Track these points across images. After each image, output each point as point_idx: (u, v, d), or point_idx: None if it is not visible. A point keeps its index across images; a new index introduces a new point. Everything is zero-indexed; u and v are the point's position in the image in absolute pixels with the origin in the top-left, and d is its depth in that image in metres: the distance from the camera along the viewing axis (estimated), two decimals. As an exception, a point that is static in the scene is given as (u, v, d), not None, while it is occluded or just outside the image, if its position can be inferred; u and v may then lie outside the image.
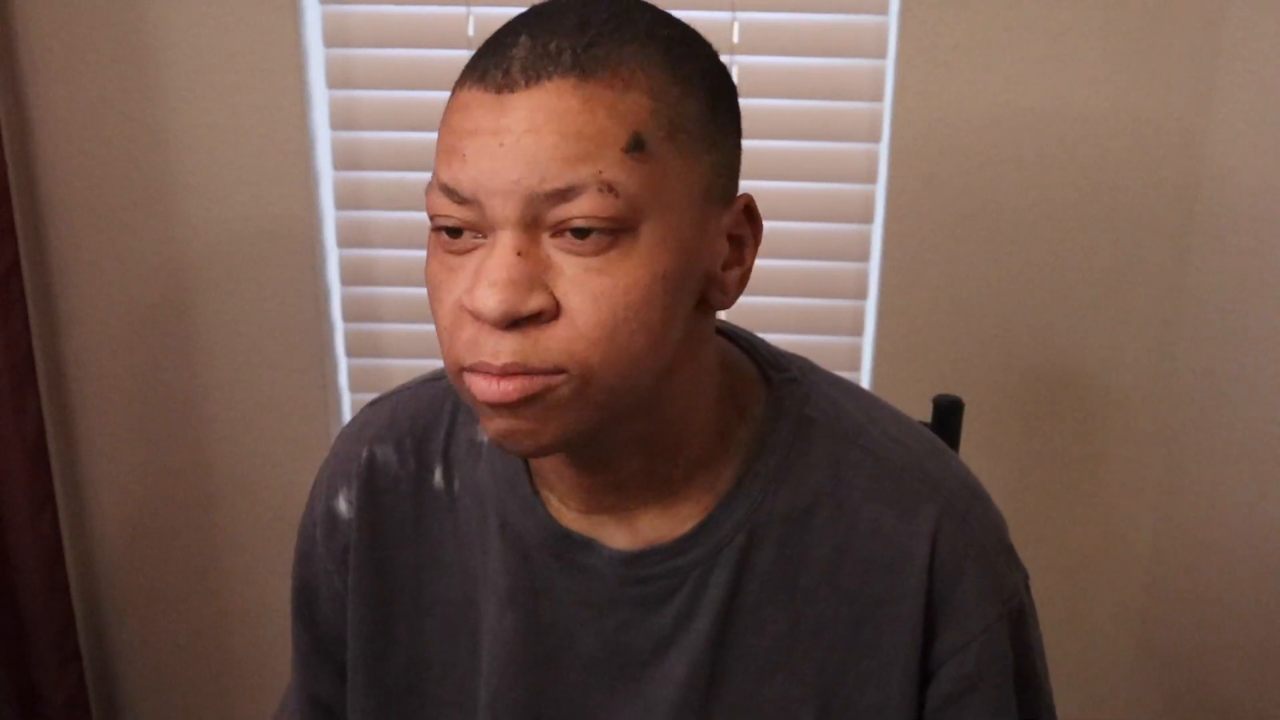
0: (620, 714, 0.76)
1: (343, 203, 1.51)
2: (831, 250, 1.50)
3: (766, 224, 0.78)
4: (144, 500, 1.63)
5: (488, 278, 0.60)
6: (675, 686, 0.74)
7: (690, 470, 0.72)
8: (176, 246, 1.51)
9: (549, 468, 0.74)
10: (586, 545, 0.74)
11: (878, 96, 1.44)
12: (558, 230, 0.61)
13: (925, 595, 0.73)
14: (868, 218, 1.49)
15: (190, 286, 1.53)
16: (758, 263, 0.72)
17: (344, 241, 1.53)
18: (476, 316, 0.61)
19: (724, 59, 0.70)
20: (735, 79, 0.72)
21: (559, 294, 0.61)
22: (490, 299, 0.60)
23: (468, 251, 0.63)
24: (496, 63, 0.62)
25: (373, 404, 0.84)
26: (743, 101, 0.70)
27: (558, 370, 0.61)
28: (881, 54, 1.43)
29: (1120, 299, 1.47)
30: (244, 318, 1.54)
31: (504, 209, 0.60)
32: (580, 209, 0.60)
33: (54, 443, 1.59)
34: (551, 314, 0.61)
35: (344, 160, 1.50)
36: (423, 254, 1.50)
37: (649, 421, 0.69)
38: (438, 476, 0.79)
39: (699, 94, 0.64)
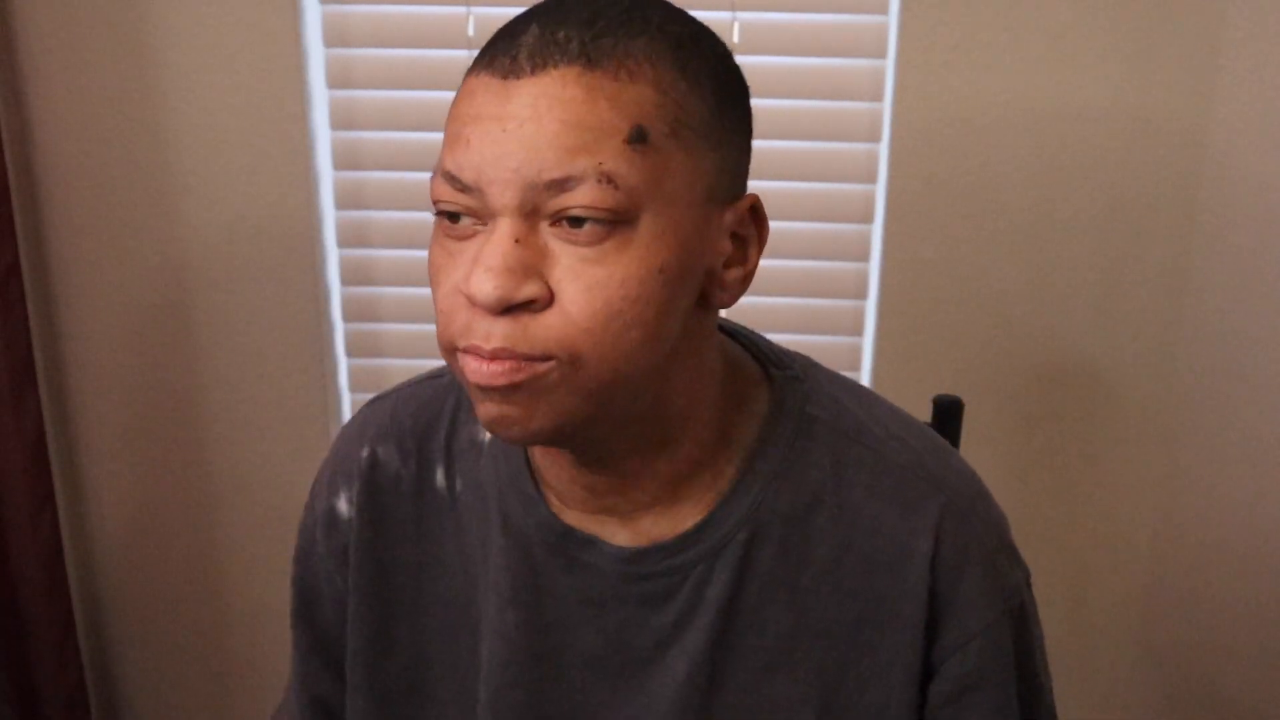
0: (621, 712, 0.76)
1: (343, 203, 1.51)
2: (831, 250, 1.50)
3: (767, 223, 0.77)
4: (144, 500, 1.63)
5: (484, 263, 0.61)
6: (676, 685, 0.74)
7: (692, 468, 0.72)
8: (176, 246, 1.51)
9: (550, 465, 0.74)
10: (588, 543, 0.74)
11: (878, 96, 1.44)
12: (556, 219, 0.61)
13: (927, 593, 0.73)
14: (868, 218, 1.49)
15: (190, 286, 1.53)
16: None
17: (344, 241, 1.53)
18: (472, 301, 0.61)
19: (727, 59, 0.70)
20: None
21: (554, 283, 0.61)
22: (485, 284, 0.60)
23: (468, 238, 0.63)
24: (505, 49, 0.62)
25: (373, 402, 0.84)
26: (743, 101, 0.70)
27: (546, 357, 0.61)
28: (881, 54, 1.43)
29: (1120, 299, 1.47)
30: (244, 318, 1.54)
31: (503, 197, 0.61)
32: (579, 199, 0.60)
33: (54, 443, 1.59)
34: (545, 302, 0.61)
35: (344, 160, 1.50)
36: (423, 254, 1.50)
37: (648, 418, 0.69)
38: (439, 475, 0.79)
39: (706, 91, 0.64)
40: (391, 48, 1.45)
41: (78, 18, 1.43)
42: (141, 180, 1.49)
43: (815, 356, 0.80)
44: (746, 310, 1.32)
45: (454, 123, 0.63)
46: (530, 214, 0.61)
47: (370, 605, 0.81)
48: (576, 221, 0.61)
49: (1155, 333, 1.48)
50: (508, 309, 0.61)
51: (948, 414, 1.11)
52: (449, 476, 0.79)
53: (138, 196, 1.49)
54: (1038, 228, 1.45)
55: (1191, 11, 1.36)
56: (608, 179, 0.60)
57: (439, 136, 0.66)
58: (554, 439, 0.66)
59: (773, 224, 0.70)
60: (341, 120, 1.48)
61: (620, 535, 0.74)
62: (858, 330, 1.53)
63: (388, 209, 1.51)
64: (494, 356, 0.62)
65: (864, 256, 1.50)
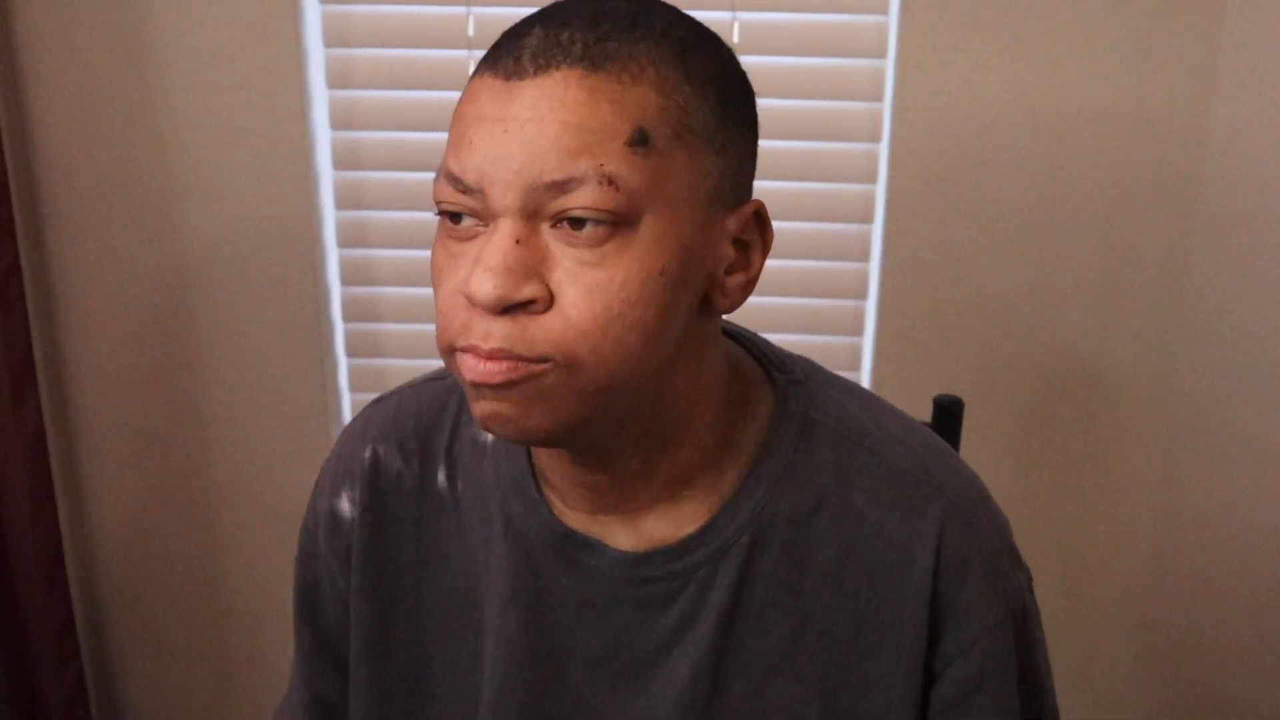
0: (623, 714, 0.76)
1: (343, 203, 1.51)
2: (831, 250, 1.50)
3: (766, 224, 0.77)
4: (144, 500, 1.63)
5: (484, 264, 0.61)
6: (678, 688, 0.74)
7: (694, 471, 0.72)
8: (176, 246, 1.51)
9: (552, 467, 0.74)
10: (590, 546, 0.74)
11: (878, 96, 1.44)
12: (557, 221, 0.61)
13: (929, 597, 0.73)
14: (868, 218, 1.49)
15: (190, 286, 1.53)
16: (757, 264, 0.72)
17: (344, 241, 1.53)
18: (471, 301, 0.61)
19: (727, 60, 0.70)
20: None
21: (554, 284, 0.61)
22: (485, 284, 0.60)
23: (470, 239, 0.63)
24: (509, 50, 0.63)
25: (375, 403, 0.84)
26: (743, 101, 0.70)
27: (543, 359, 0.61)
28: (881, 54, 1.43)
29: (1120, 299, 1.47)
30: (244, 318, 1.54)
31: (504, 198, 0.61)
32: (579, 200, 0.60)
33: (54, 443, 1.59)
34: (545, 303, 0.61)
35: (344, 160, 1.50)
36: (423, 253, 1.50)
37: (649, 420, 0.69)
38: (441, 476, 0.79)
39: (710, 95, 0.64)
40: (391, 48, 1.45)
41: (78, 18, 1.43)
42: (141, 180, 1.49)
43: (815, 356, 0.80)
44: (746, 310, 1.32)
45: (457, 124, 0.63)
46: (531, 215, 0.61)
47: (372, 605, 0.81)
48: (577, 223, 0.61)
49: (1155, 333, 1.49)
50: (507, 310, 0.61)
51: (948, 414, 1.10)
52: (450, 477, 0.79)
53: (138, 196, 1.49)
54: (1038, 228, 1.45)
55: (1191, 11, 1.36)
56: (609, 181, 0.60)
57: (439, 136, 0.66)
58: (550, 439, 0.66)
59: (773, 224, 0.70)
60: (341, 120, 1.48)
61: (622, 538, 0.74)
62: (858, 330, 1.53)
63: (388, 209, 1.51)
64: (491, 356, 0.62)
65: (864, 256, 1.50)
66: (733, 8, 1.40)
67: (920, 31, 1.39)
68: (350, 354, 1.58)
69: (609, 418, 0.66)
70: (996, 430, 1.53)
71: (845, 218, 1.49)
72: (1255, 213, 1.42)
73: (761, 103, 0.70)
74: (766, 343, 0.79)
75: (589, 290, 0.61)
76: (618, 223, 0.61)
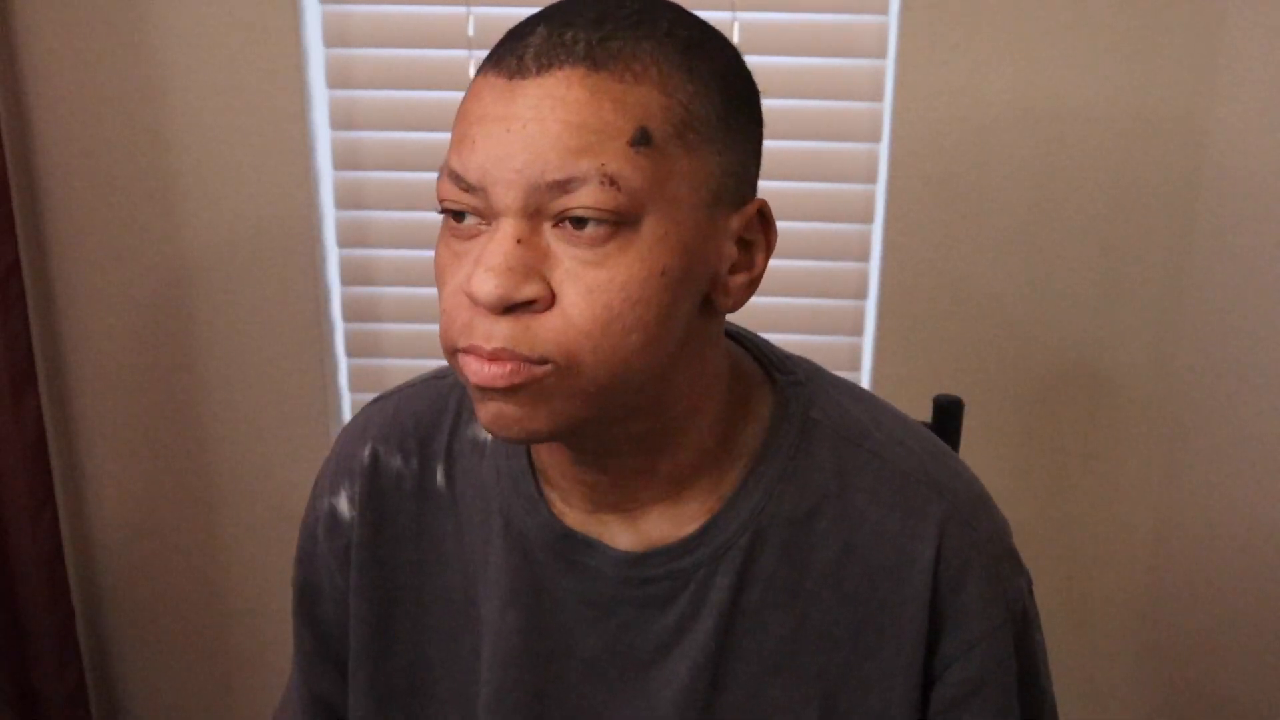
0: (621, 714, 0.76)
1: (343, 203, 1.51)
2: (831, 250, 1.50)
3: (767, 224, 0.77)
4: (144, 500, 1.63)
5: (485, 263, 0.61)
6: (677, 688, 0.74)
7: (694, 471, 0.72)
8: (176, 246, 1.51)
9: (552, 464, 0.74)
10: (589, 545, 0.74)
11: (878, 96, 1.44)
12: (559, 220, 0.61)
13: (929, 599, 0.73)
14: (868, 218, 1.49)
15: (190, 286, 1.53)
16: (758, 263, 0.71)
17: (344, 241, 1.53)
18: (473, 300, 0.61)
19: (726, 59, 0.70)
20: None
21: (555, 284, 0.61)
22: (486, 284, 0.60)
23: (473, 237, 0.63)
24: (513, 49, 0.63)
25: (375, 402, 0.84)
26: (744, 101, 0.70)
27: (543, 361, 0.61)
28: (881, 54, 1.43)
29: (1120, 299, 1.47)
30: (244, 318, 1.54)
31: (506, 197, 0.61)
32: (581, 200, 0.60)
33: (54, 443, 1.59)
34: (546, 303, 0.61)
35: (344, 160, 1.50)
36: (423, 253, 1.50)
37: (650, 419, 0.69)
38: (440, 475, 0.79)
39: (714, 95, 0.64)
40: (391, 48, 1.45)
41: (78, 18, 1.43)
42: (141, 180, 1.49)
43: (815, 357, 0.80)
44: (747, 310, 1.32)
45: (461, 122, 0.64)
46: (533, 215, 0.61)
47: (371, 605, 0.81)
48: (579, 222, 0.61)
49: (1155, 333, 1.49)
50: (509, 309, 0.61)
51: (948, 414, 1.10)
52: (449, 477, 0.79)
53: (138, 196, 1.49)
54: (1038, 228, 1.45)
55: (1191, 11, 1.36)
56: (610, 180, 0.60)
57: (439, 136, 0.66)
58: (553, 439, 0.67)
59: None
60: (341, 120, 1.48)
61: (622, 537, 0.74)
62: (858, 330, 1.53)
63: (388, 209, 1.51)
64: (494, 357, 0.62)
65: (864, 256, 1.50)
66: (733, 8, 1.40)
67: (920, 31, 1.39)
68: (350, 354, 1.58)
69: (611, 417, 0.66)
70: (996, 430, 1.53)
71: (845, 218, 1.49)
72: (1255, 213, 1.42)
73: (762, 102, 0.70)
74: (767, 343, 0.79)
75: (590, 290, 0.61)
76: (619, 222, 0.61)
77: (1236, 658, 1.58)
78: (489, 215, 0.62)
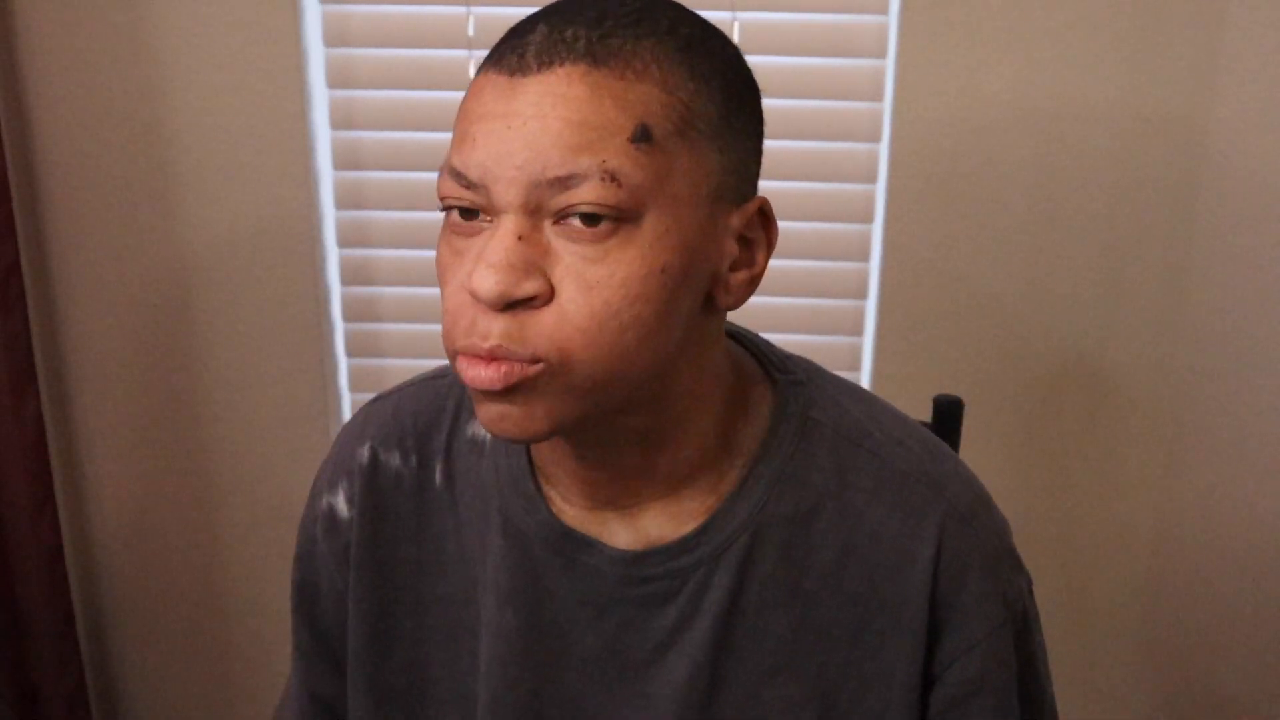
0: (620, 714, 0.76)
1: (343, 203, 1.51)
2: (831, 250, 1.50)
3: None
4: (144, 500, 1.63)
5: (486, 260, 0.61)
6: (676, 687, 0.74)
7: (694, 470, 0.72)
8: (176, 246, 1.51)
9: (551, 460, 0.74)
10: (588, 544, 0.74)
11: (878, 96, 1.44)
12: (559, 217, 0.61)
13: (929, 599, 0.72)
14: (868, 218, 1.49)
15: (190, 286, 1.53)
16: (759, 263, 0.72)
17: (344, 241, 1.53)
18: (475, 296, 0.61)
19: (726, 59, 0.70)
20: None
21: (555, 280, 0.62)
22: (487, 280, 0.60)
23: (474, 234, 0.64)
24: (514, 47, 0.63)
25: (374, 401, 0.84)
26: (744, 101, 0.70)
27: (535, 359, 0.62)
28: (881, 54, 1.43)
29: (1120, 299, 1.47)
30: (244, 318, 1.54)
31: (507, 194, 0.61)
32: (582, 196, 0.60)
33: (54, 443, 1.59)
34: (545, 299, 0.61)
35: (344, 160, 1.50)
36: (423, 253, 1.51)
37: (651, 414, 0.69)
38: (439, 475, 0.79)
39: (715, 92, 0.64)
40: (391, 48, 1.45)
41: (78, 18, 1.43)
42: (141, 180, 1.49)
43: (815, 356, 0.80)
44: (747, 310, 1.32)
45: (461, 120, 0.64)
46: (534, 211, 0.61)
47: (370, 604, 0.81)
48: (580, 219, 0.61)
49: (1155, 333, 1.48)
50: (509, 305, 0.61)
51: (948, 414, 1.10)
52: (448, 476, 0.79)
53: (138, 196, 1.49)
54: (1038, 228, 1.45)
55: (1191, 11, 1.36)
56: (611, 177, 0.60)
57: (439, 136, 0.66)
58: (553, 435, 0.67)
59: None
60: (341, 120, 1.48)
61: (621, 536, 0.74)
62: (858, 330, 1.53)
63: (388, 209, 1.51)
64: (488, 359, 0.62)
65: (864, 256, 1.50)
66: (733, 8, 1.40)
67: (920, 31, 1.39)
68: (350, 354, 1.58)
69: (608, 414, 0.66)
70: (996, 430, 1.53)
71: (845, 218, 1.49)
72: (1255, 212, 1.42)
73: (762, 102, 0.70)
74: (767, 343, 0.79)
75: (589, 286, 0.61)
76: (620, 219, 0.61)
77: (1236, 657, 1.58)
78: (490, 212, 0.62)
